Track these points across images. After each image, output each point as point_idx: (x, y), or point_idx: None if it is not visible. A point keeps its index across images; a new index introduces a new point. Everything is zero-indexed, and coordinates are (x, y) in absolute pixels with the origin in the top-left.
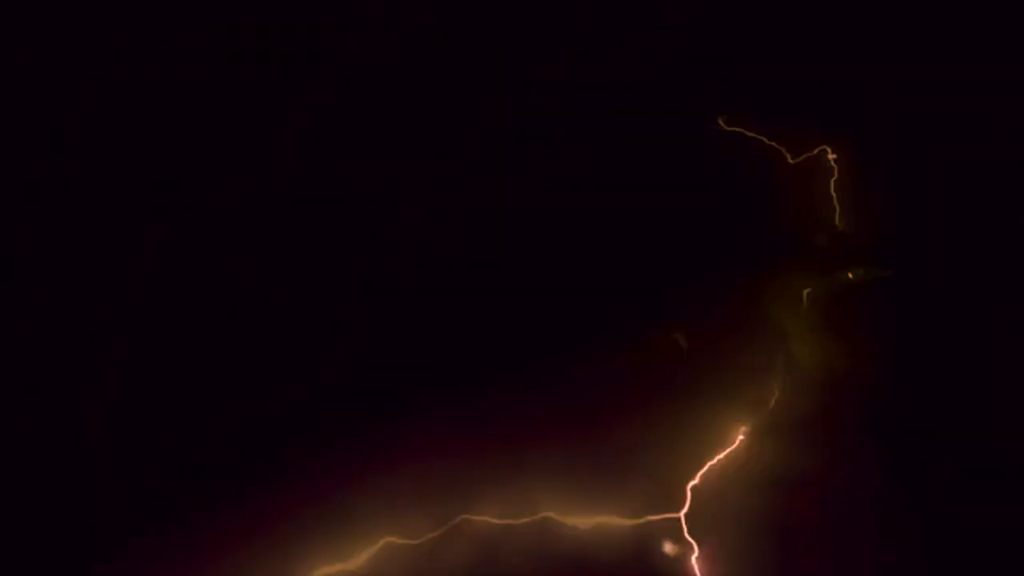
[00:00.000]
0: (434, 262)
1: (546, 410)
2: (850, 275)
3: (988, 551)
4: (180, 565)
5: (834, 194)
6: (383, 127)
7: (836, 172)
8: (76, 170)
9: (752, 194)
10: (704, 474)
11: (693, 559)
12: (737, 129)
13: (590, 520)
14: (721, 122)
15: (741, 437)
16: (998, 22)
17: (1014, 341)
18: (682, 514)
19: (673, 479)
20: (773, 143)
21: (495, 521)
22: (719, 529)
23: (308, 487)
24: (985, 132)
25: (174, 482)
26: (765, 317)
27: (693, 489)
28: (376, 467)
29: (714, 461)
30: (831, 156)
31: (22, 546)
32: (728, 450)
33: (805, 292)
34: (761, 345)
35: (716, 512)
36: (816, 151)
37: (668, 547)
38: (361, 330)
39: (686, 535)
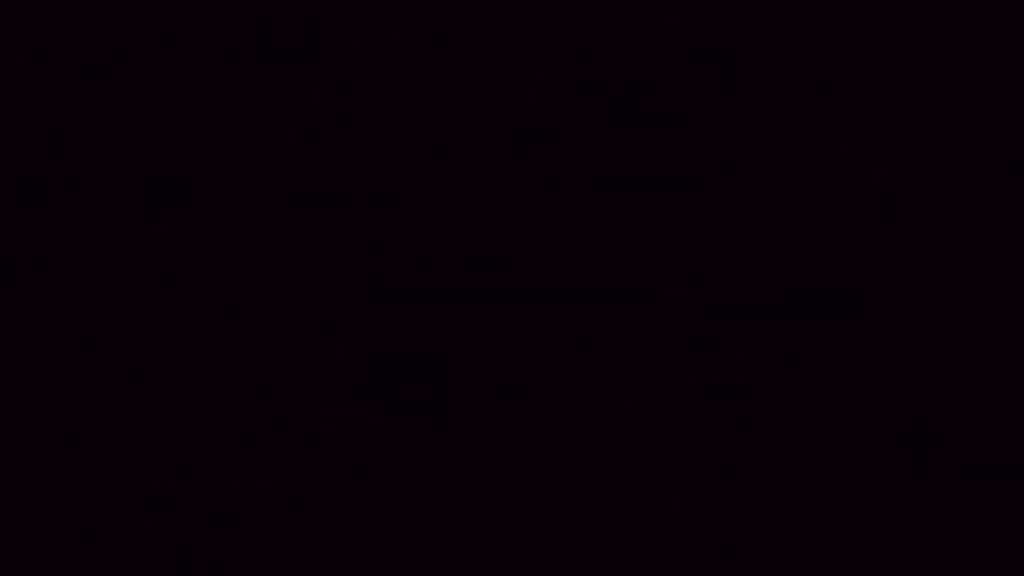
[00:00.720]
0: (434, 262)
1: (546, 407)
2: None
3: (988, 551)
4: (180, 565)
5: None
6: (383, 127)
7: None
8: (76, 170)
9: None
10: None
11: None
12: None
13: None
14: None
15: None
16: (998, 22)
17: (1014, 341)
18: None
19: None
20: None
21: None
22: (716, 528)
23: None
24: (985, 132)
25: (174, 482)
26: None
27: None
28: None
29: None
30: None
31: (22, 546)
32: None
33: None
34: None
35: (713, 511)
36: None
37: None
38: (361, 330)
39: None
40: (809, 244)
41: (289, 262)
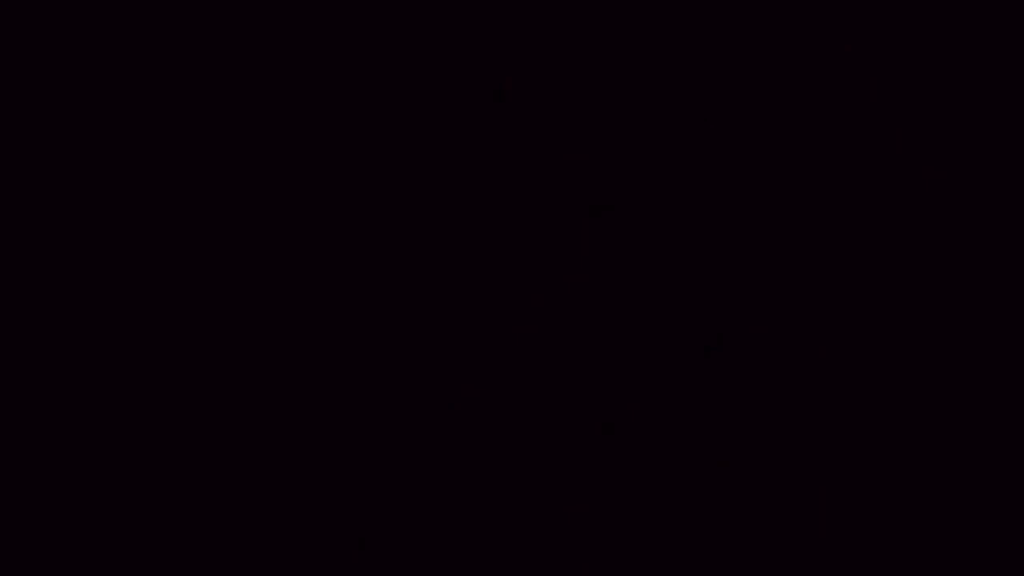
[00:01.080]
0: (434, 262)
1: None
2: None
3: (988, 551)
4: (180, 565)
5: None
6: (383, 127)
7: None
8: (76, 170)
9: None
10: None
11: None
12: None
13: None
14: None
15: None
16: (997, 22)
17: (1014, 341)
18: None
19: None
20: None
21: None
22: (716, 528)
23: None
24: (985, 132)
25: (174, 482)
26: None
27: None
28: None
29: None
30: None
31: (22, 546)
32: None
33: None
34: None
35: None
36: None
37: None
38: (361, 330)
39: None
40: (809, 244)
41: (289, 262)
